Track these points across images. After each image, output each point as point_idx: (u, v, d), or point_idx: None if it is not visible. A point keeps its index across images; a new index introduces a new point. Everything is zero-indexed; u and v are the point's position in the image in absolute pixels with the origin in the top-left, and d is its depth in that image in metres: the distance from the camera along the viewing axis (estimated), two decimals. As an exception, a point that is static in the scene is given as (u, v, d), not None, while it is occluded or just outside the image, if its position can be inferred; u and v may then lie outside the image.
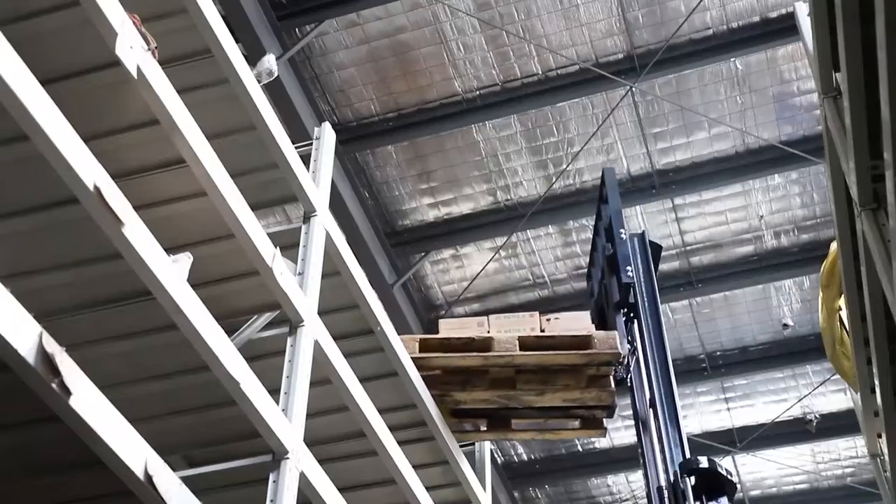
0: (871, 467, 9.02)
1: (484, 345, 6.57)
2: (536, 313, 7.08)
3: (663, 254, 12.03)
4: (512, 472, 14.62)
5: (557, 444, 14.25)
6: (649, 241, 7.90)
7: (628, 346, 7.10)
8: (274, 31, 9.82)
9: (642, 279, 7.43)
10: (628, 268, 7.26)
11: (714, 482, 6.10)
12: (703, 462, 6.11)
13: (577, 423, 7.04)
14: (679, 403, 6.72)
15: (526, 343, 6.56)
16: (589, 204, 11.55)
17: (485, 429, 6.94)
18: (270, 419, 4.12)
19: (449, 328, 6.91)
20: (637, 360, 7.08)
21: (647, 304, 7.23)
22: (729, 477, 6.06)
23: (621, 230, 7.58)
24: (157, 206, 4.31)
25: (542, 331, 6.77)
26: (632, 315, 7.26)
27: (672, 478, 6.21)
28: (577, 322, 6.93)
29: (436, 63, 10.47)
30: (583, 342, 6.52)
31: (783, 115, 10.89)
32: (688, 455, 6.26)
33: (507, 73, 10.62)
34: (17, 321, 2.74)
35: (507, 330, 6.76)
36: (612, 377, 6.69)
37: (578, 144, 10.99)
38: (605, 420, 7.03)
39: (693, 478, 6.11)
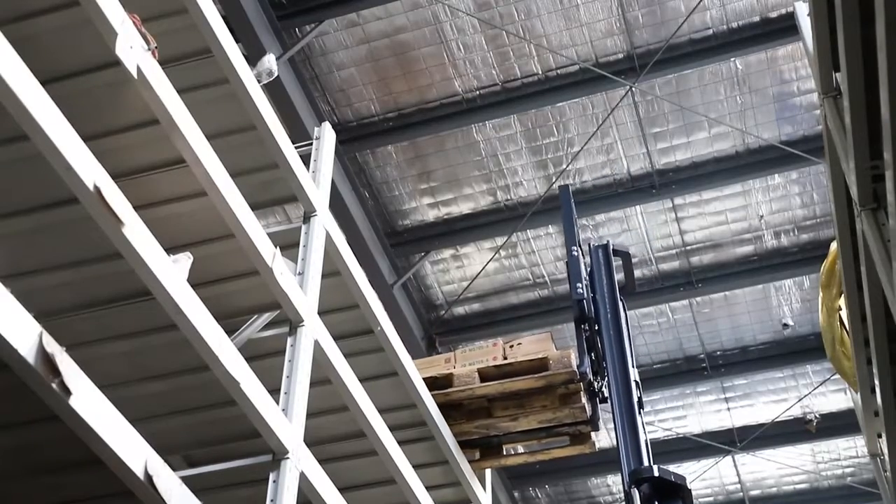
0: (871, 467, 9.04)
1: (446, 381, 6.83)
2: (500, 341, 7.31)
3: (663, 254, 12.13)
4: (512, 472, 14.61)
5: (556, 444, 14.23)
6: (615, 248, 7.94)
7: (591, 359, 7.19)
8: (274, 31, 9.82)
9: (605, 291, 7.48)
10: (578, 284, 7.35)
11: (669, 489, 6.13)
12: (653, 471, 6.15)
13: (566, 441, 7.24)
14: (638, 412, 6.79)
15: (486, 374, 6.83)
16: (589, 204, 11.58)
17: (478, 458, 7.09)
18: (270, 419, 4.12)
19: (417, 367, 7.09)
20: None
21: (608, 315, 7.29)
22: (681, 483, 6.09)
23: (573, 247, 7.64)
24: (157, 206, 4.32)
25: (505, 358, 6.99)
26: (596, 328, 7.33)
27: (626, 487, 6.28)
28: (538, 345, 7.10)
29: (436, 63, 10.47)
30: (539, 365, 6.75)
31: (783, 114, 10.89)
32: (646, 463, 6.28)
33: (507, 73, 10.62)
34: (17, 321, 2.74)
35: (470, 363, 7.01)
36: (582, 393, 6.87)
37: (578, 144, 11.00)
38: (592, 434, 7.20)
39: (647, 486, 6.14)
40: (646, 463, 6.28)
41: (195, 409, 4.69)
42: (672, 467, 15.33)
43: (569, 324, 12.81)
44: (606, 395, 7.00)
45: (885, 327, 4.63)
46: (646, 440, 6.68)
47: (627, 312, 7.72)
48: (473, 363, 6.97)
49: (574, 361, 6.82)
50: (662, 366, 13.36)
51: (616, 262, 7.92)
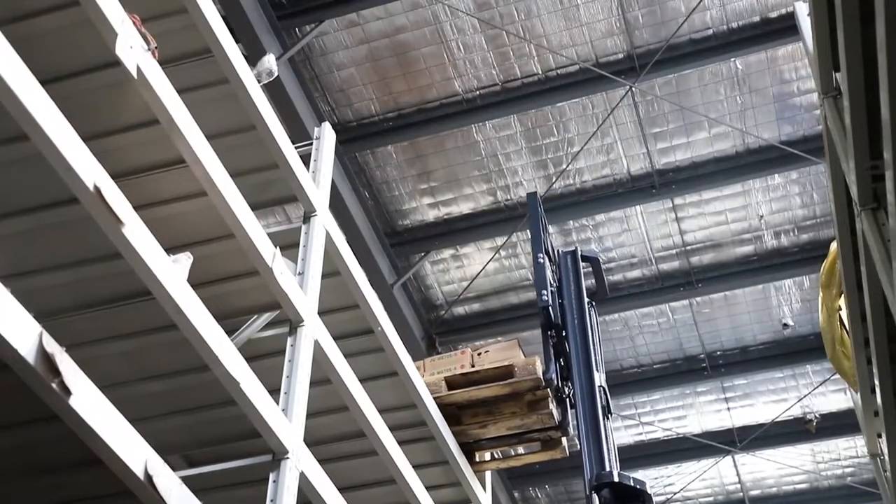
0: (871, 467, 9.03)
1: None
2: (468, 349, 7.39)
3: (663, 254, 12.12)
4: (512, 472, 14.61)
5: (557, 444, 14.24)
6: (584, 255, 7.97)
7: (557, 366, 7.25)
8: (274, 31, 9.82)
9: (572, 297, 7.50)
10: (543, 291, 7.37)
11: (629, 494, 6.17)
12: (613, 477, 6.18)
13: (537, 447, 7.30)
14: (604, 418, 6.84)
15: (453, 382, 6.91)
16: (589, 204, 11.59)
17: None
18: (270, 419, 4.12)
19: None
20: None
21: (575, 321, 7.31)
22: (641, 488, 6.12)
23: (539, 254, 7.65)
24: (157, 206, 4.32)
25: (472, 366, 7.06)
26: (563, 335, 7.36)
27: (587, 492, 6.32)
28: (505, 352, 7.20)
29: (436, 63, 10.47)
30: (505, 373, 6.83)
31: (783, 115, 10.89)
32: (608, 469, 6.31)
33: (507, 73, 10.62)
34: (17, 321, 2.74)
35: (438, 371, 7.08)
36: (550, 399, 6.94)
37: (578, 144, 10.99)
38: (563, 439, 7.26)
39: (607, 491, 6.18)
40: (608, 468, 6.30)
41: (195, 409, 4.69)
42: (672, 467, 15.39)
43: (569, 324, 12.83)
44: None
45: (884, 327, 4.62)
46: (610, 446, 6.71)
47: (597, 318, 7.80)
48: (441, 371, 7.06)
49: (539, 368, 6.89)
50: (662, 366, 13.36)
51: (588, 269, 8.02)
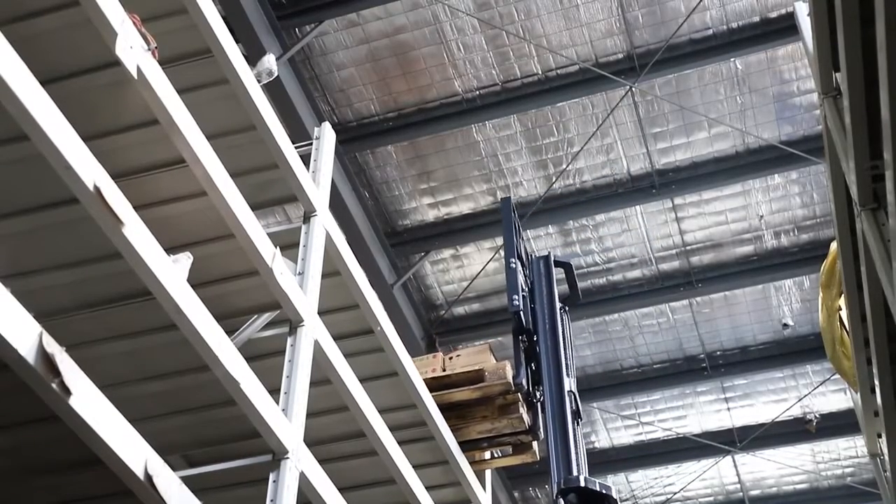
0: (871, 467, 9.03)
1: None
2: (440, 353, 7.42)
3: (663, 254, 12.12)
4: (512, 472, 14.61)
5: (557, 444, 14.24)
6: (556, 260, 8.01)
7: (528, 370, 7.29)
8: (274, 31, 9.82)
9: (544, 302, 7.51)
10: (514, 297, 7.40)
11: (595, 499, 6.20)
12: (580, 481, 6.22)
13: (509, 451, 7.34)
14: (574, 423, 6.90)
15: (426, 386, 6.85)
16: (589, 204, 11.58)
17: None
18: (270, 419, 4.12)
19: None
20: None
21: (546, 326, 7.33)
22: (607, 493, 6.15)
23: (511, 259, 7.66)
24: (157, 206, 4.32)
25: (444, 370, 7.08)
26: (534, 339, 7.38)
27: (552, 496, 6.35)
28: (476, 357, 7.22)
29: (436, 63, 10.47)
30: (475, 377, 6.87)
31: (783, 114, 10.89)
32: (575, 474, 6.34)
33: (507, 73, 10.62)
34: (17, 321, 2.74)
35: None
36: (521, 404, 6.97)
37: (578, 144, 10.99)
38: (534, 443, 7.28)
39: (573, 496, 6.21)
40: (575, 473, 6.32)
41: (195, 409, 4.69)
42: (672, 467, 15.38)
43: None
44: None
45: (884, 327, 4.62)
46: (579, 451, 6.75)
47: (569, 323, 7.83)
48: None
49: (510, 373, 6.93)
50: (662, 366, 13.36)
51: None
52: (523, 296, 7.48)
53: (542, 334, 7.31)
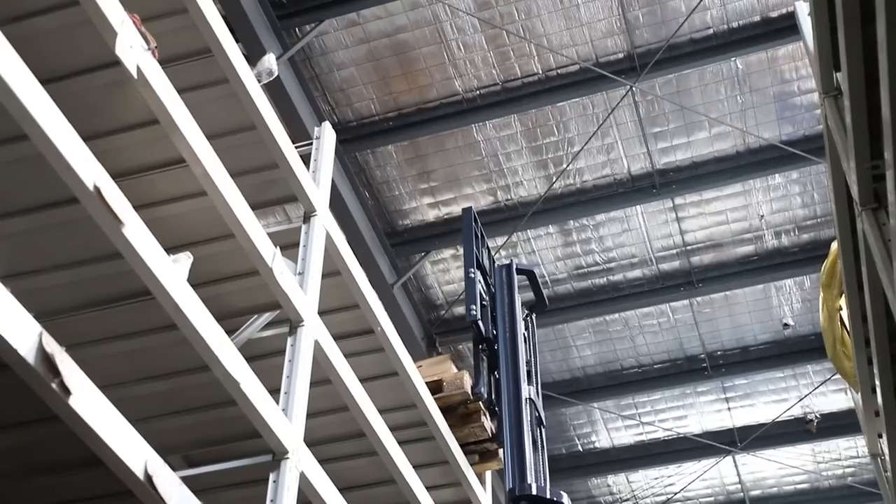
0: (871, 467, 9.03)
1: None
2: None
3: (663, 254, 12.12)
4: (512, 471, 14.61)
5: (557, 444, 14.25)
6: (519, 268, 8.01)
7: (491, 379, 7.32)
8: (274, 31, 9.82)
9: (504, 311, 7.53)
10: (472, 306, 7.41)
11: None
12: (532, 490, 6.23)
13: (475, 459, 7.29)
14: (538, 430, 6.89)
15: None
16: (589, 204, 11.58)
17: None
18: (270, 419, 4.12)
19: None
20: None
21: (506, 335, 7.35)
22: (559, 501, 6.16)
23: (471, 269, 7.67)
24: (157, 206, 4.32)
25: None
26: (495, 348, 7.39)
27: None
28: (436, 367, 7.27)
29: (436, 63, 10.47)
30: (434, 387, 6.86)
31: (783, 114, 10.89)
32: (529, 481, 6.35)
33: (507, 73, 10.61)
34: (17, 321, 2.74)
35: None
36: (482, 413, 7.00)
37: (578, 144, 10.99)
38: (500, 451, 7.26)
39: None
40: (529, 480, 6.33)
41: (195, 409, 4.69)
42: (672, 467, 15.38)
43: (568, 323, 12.84)
44: None
45: (885, 327, 4.62)
46: (539, 458, 6.76)
47: (534, 330, 7.84)
48: None
49: (468, 382, 6.97)
50: (663, 366, 13.36)
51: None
52: (483, 305, 7.49)
53: (502, 342, 7.33)
